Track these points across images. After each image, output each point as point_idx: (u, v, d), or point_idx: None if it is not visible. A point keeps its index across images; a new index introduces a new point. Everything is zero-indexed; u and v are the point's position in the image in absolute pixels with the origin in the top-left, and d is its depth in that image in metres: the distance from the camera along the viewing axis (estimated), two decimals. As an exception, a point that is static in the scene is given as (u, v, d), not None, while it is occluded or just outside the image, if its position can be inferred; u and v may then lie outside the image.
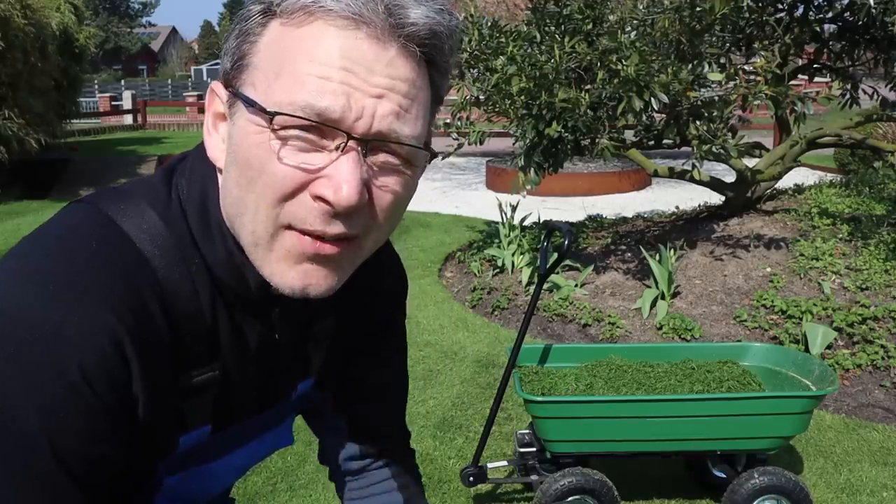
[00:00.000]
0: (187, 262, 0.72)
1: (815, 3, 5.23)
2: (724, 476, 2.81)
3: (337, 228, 0.67)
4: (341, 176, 0.64)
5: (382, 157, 0.68)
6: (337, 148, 0.65)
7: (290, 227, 0.67)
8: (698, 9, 4.10)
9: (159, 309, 0.69)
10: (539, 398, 2.60)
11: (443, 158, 5.31)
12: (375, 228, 0.70)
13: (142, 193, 0.74)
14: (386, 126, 0.66)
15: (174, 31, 69.50)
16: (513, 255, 5.60)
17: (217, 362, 0.76)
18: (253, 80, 0.67)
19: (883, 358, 3.96)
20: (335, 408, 0.99)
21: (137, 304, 0.67)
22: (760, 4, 4.89)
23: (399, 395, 1.05)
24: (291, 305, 0.79)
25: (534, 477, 2.79)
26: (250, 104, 0.66)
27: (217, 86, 0.72)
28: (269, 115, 0.64)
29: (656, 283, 4.73)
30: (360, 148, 0.65)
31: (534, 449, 2.83)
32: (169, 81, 38.74)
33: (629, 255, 5.44)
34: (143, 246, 0.70)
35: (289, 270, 0.69)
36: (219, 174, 0.74)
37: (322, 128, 0.64)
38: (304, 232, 0.67)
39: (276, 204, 0.66)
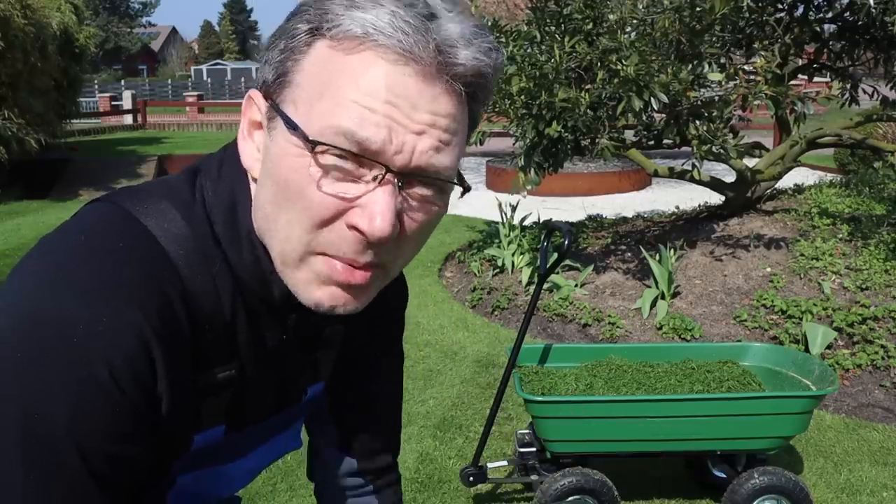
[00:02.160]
0: (209, 262, 0.73)
1: (815, 3, 5.23)
2: (724, 476, 2.81)
3: (368, 258, 0.68)
4: (376, 207, 0.65)
5: (417, 190, 0.69)
6: (374, 179, 0.66)
7: (321, 254, 0.68)
8: (698, 9, 4.10)
9: (183, 309, 0.70)
10: (539, 398, 2.60)
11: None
12: (402, 256, 0.72)
13: (164, 193, 0.74)
14: (424, 161, 0.66)
15: (174, 31, 69.54)
16: (513, 255, 5.60)
17: (234, 362, 0.77)
18: (295, 98, 0.67)
19: (883, 358, 3.96)
20: (329, 409, 1.00)
21: (163, 303, 0.67)
22: (760, 4, 4.90)
23: (391, 410, 1.05)
24: (309, 312, 0.80)
25: (534, 477, 2.79)
26: (292, 127, 0.66)
27: (256, 94, 0.72)
28: (311, 144, 0.65)
29: (656, 283, 4.73)
30: (396, 181, 0.66)
31: (534, 449, 2.83)
32: (169, 81, 38.74)
33: (629, 255, 5.44)
34: (168, 245, 0.70)
35: (316, 290, 0.70)
36: (251, 181, 0.74)
37: (361, 158, 0.65)
38: (338, 259, 0.68)
39: (311, 230, 0.67)
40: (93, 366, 0.62)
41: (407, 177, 0.66)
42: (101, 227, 0.70)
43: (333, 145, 0.64)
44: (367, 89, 0.64)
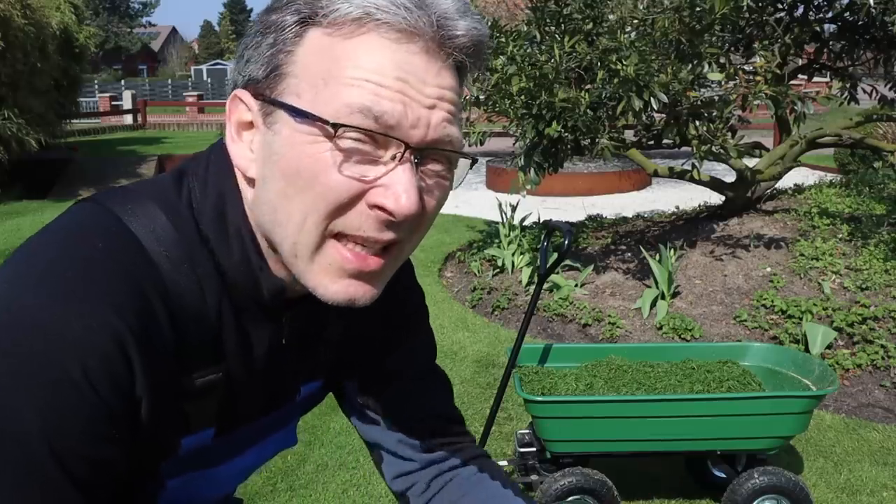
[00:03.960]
0: (194, 263, 0.72)
1: (815, 3, 5.23)
2: (724, 476, 2.81)
3: (389, 235, 0.68)
4: (400, 186, 0.66)
5: (431, 166, 0.70)
6: (392, 158, 0.66)
7: (337, 236, 0.68)
8: (698, 9, 4.10)
9: (164, 310, 0.69)
10: (539, 398, 2.60)
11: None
12: (417, 233, 0.72)
13: (150, 194, 0.74)
14: (439, 134, 0.68)
15: (174, 31, 69.54)
16: (513, 255, 5.60)
17: (221, 364, 0.76)
18: (296, 90, 0.67)
19: (883, 358, 3.96)
20: (370, 405, 0.97)
21: (141, 304, 0.67)
22: (760, 4, 4.89)
23: (435, 384, 1.01)
24: (303, 310, 0.79)
25: (534, 477, 2.79)
26: (303, 115, 0.66)
27: (243, 93, 0.71)
28: (333, 128, 0.65)
29: (656, 283, 4.73)
30: (413, 157, 0.67)
31: (534, 449, 2.83)
32: (169, 81, 38.72)
33: (629, 255, 5.44)
34: (150, 246, 0.70)
35: (331, 284, 0.70)
36: (241, 181, 0.74)
37: (377, 137, 0.66)
38: (352, 238, 0.68)
39: (329, 215, 0.67)
40: (65, 367, 0.61)
41: (423, 152, 0.68)
42: (83, 227, 0.70)
43: (353, 126, 0.64)
44: (375, 68, 0.65)
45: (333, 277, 0.69)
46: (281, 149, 0.68)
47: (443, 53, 0.67)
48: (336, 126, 0.64)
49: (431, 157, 0.69)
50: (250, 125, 0.71)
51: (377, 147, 0.66)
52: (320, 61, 0.66)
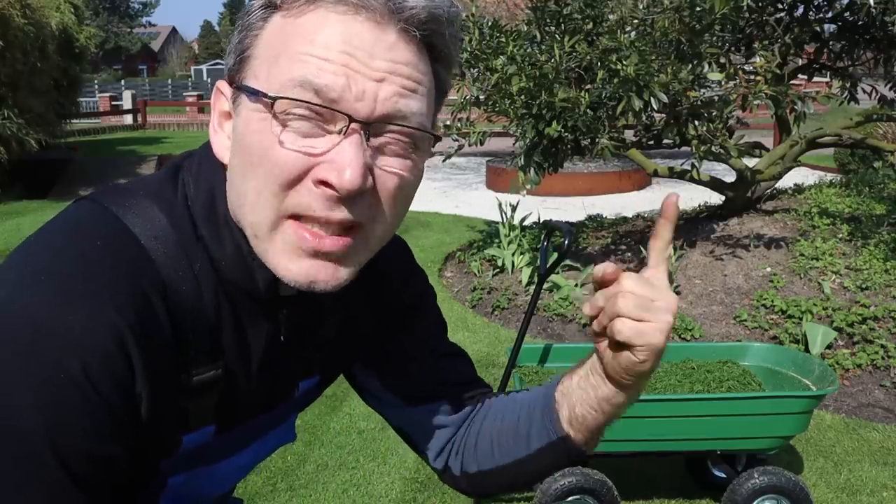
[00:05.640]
0: (191, 260, 0.72)
1: (815, 3, 5.23)
2: (724, 476, 2.81)
3: (341, 214, 0.66)
4: (344, 159, 0.64)
5: (386, 141, 0.68)
6: (339, 132, 0.65)
7: (293, 217, 0.67)
8: (698, 9, 4.10)
9: (162, 307, 0.69)
10: (539, 398, 2.60)
11: (444, 161, 5.31)
12: (381, 216, 0.70)
13: (147, 191, 0.74)
14: (389, 108, 0.66)
15: (174, 31, 69.53)
16: (513, 255, 5.60)
17: (220, 361, 0.76)
18: (255, 71, 0.68)
19: (883, 358, 3.96)
20: (386, 388, 0.98)
21: (141, 302, 0.67)
22: (760, 4, 4.89)
23: (452, 361, 1.03)
24: (299, 306, 0.79)
25: (534, 477, 2.78)
26: (252, 93, 0.67)
27: (222, 84, 0.73)
28: (270, 100, 0.65)
29: (656, 282, 4.72)
30: (362, 131, 0.65)
31: (534, 449, 2.83)
32: (169, 81, 38.71)
33: (629, 255, 5.44)
34: (148, 243, 0.70)
35: (291, 264, 0.69)
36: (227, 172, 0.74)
37: (324, 112, 0.65)
38: (308, 219, 0.67)
39: (279, 192, 0.66)
40: (66, 365, 0.62)
41: (373, 126, 0.66)
42: (81, 226, 0.70)
43: (290, 98, 0.64)
44: (321, 43, 0.65)
45: (292, 257, 0.68)
46: (239, 129, 0.69)
47: (395, 27, 0.66)
48: (275, 99, 0.64)
49: (386, 132, 0.67)
50: (230, 115, 0.72)
51: (325, 121, 0.65)
52: (275, 41, 0.67)
